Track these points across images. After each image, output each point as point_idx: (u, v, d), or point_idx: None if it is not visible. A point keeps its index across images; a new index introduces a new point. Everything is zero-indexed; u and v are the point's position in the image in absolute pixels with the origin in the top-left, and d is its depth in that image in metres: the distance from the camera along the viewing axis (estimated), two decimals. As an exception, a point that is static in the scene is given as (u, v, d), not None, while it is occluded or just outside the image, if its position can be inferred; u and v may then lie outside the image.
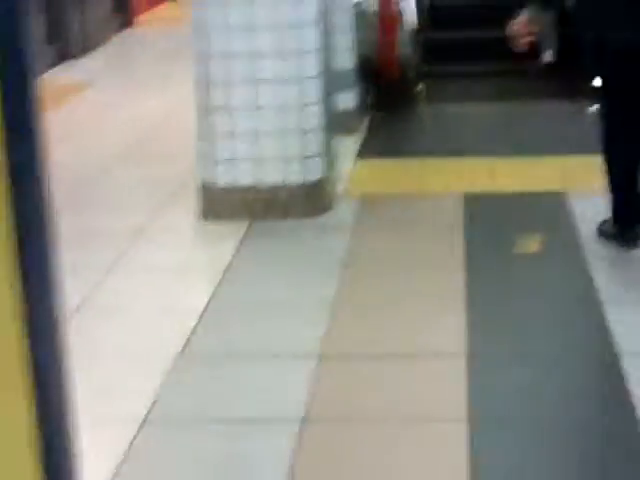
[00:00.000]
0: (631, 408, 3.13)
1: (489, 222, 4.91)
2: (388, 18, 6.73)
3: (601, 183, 4.62)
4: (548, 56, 7.98)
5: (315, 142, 5.00)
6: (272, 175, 4.95)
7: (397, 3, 6.80)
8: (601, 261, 4.33)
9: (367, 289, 4.19)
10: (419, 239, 4.71)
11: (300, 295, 4.12)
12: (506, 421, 3.16)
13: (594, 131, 5.67)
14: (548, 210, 5.02)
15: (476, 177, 5.53)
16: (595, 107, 5.07)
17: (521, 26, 4.49)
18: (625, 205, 4.47)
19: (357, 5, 6.66)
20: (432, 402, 3.27)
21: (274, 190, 4.95)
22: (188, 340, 3.72)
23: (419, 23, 7.86)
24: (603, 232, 4.55)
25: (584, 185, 5.30)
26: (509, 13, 4.59)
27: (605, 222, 4.57)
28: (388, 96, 7.02)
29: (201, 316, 3.92)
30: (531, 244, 4.55)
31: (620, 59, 4.22)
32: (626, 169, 4.46)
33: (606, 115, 4.49)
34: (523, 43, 4.55)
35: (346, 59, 6.41)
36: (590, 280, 4.13)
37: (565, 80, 7.81)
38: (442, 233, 4.77)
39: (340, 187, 5.39)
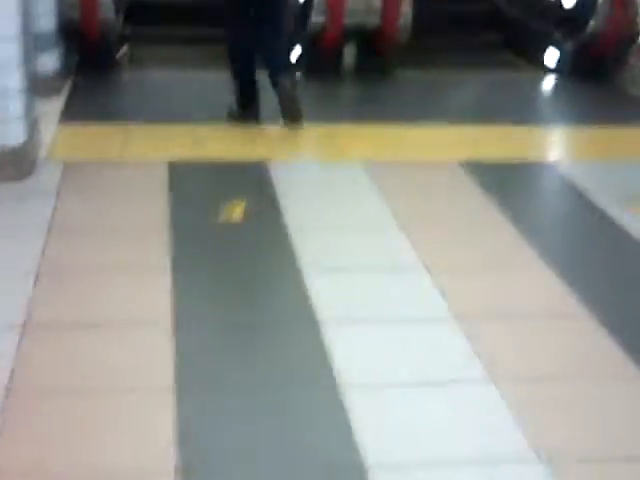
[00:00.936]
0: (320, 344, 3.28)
1: (193, 189, 4.95)
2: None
3: (302, 151, 4.79)
4: None
5: (16, 105, 4.87)
6: (-29, 138, 4.79)
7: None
8: (300, 231, 4.47)
9: (70, 255, 4.14)
10: (122, 205, 4.69)
11: (3, 264, 4.02)
12: (212, 387, 3.23)
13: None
14: (251, 178, 5.12)
15: (180, 144, 5.56)
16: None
17: None
18: (246, 89, 5.95)
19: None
20: (137, 371, 3.29)
21: (-27, 154, 4.79)
22: None
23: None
24: (231, 115, 5.96)
25: (285, 154, 5.47)
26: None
27: (231, 107, 5.97)
28: (91, 59, 6.91)
29: None
30: (235, 212, 4.63)
31: None
32: (246, 59, 5.94)
33: (226, 15, 5.91)
34: None
35: (47, 21, 6.26)
36: (291, 247, 4.27)
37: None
38: (145, 200, 4.77)
39: (42, 151, 5.29)
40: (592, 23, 7.14)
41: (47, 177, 4.98)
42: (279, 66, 5.97)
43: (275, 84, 5.91)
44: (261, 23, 5.84)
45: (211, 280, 4.04)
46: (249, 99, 6.00)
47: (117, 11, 7.22)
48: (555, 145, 5.89)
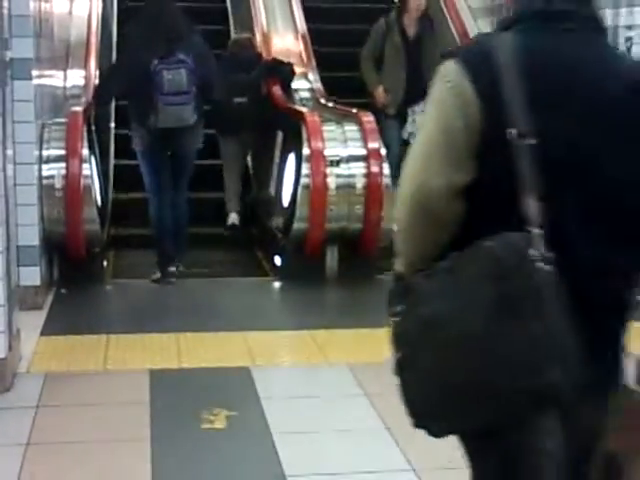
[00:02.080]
0: None
1: (175, 398, 4.90)
2: (73, 195, 6.71)
3: (285, 356, 4.77)
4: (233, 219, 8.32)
5: (-3, 319, 4.86)
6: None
7: (86, 177, 6.79)
8: (287, 436, 4.40)
9: (50, 472, 4.05)
10: (102, 417, 4.63)
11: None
12: None
13: (278, 306, 5.88)
14: (234, 385, 5.08)
15: (161, 353, 5.54)
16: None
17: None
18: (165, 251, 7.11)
19: (43, 180, 6.64)
20: None
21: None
22: None
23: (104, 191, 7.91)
24: (154, 281, 7.04)
25: (268, 360, 5.45)
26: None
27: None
28: (74, 272, 6.96)
29: None
30: (217, 419, 4.57)
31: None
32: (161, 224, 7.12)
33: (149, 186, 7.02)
34: None
35: (30, 234, 6.33)
36: (275, 454, 4.19)
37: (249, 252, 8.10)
38: (126, 410, 4.71)
39: (24, 365, 5.25)
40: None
41: (27, 390, 4.92)
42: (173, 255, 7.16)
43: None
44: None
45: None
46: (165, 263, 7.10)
47: (102, 224, 7.31)
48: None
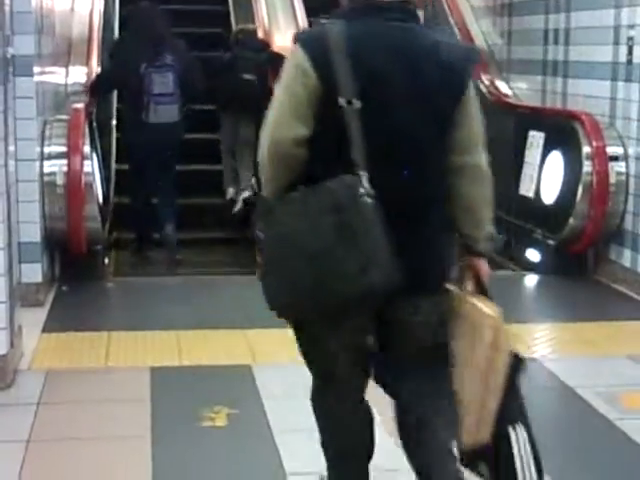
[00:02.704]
0: None
1: (176, 395, 4.90)
2: (75, 191, 6.71)
3: (286, 354, 4.75)
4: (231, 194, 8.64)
5: (-2, 316, 4.87)
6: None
7: (87, 174, 6.80)
8: (287, 434, 4.40)
9: (51, 469, 4.06)
10: (103, 414, 4.64)
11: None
12: None
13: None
14: (235, 383, 5.08)
15: (163, 350, 5.55)
16: None
17: None
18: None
19: (44, 177, 6.64)
20: None
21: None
22: None
23: (105, 194, 7.94)
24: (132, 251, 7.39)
25: (269, 358, 5.45)
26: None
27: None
28: (76, 269, 6.97)
29: None
30: (218, 417, 4.58)
31: None
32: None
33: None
34: None
35: (32, 231, 6.34)
36: (276, 451, 4.20)
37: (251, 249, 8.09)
38: (127, 407, 4.72)
39: (25, 362, 5.26)
40: (571, 221, 7.25)
41: (28, 387, 4.93)
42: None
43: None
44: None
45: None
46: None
47: (103, 221, 7.32)
48: (539, 342, 5.88)
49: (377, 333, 3.17)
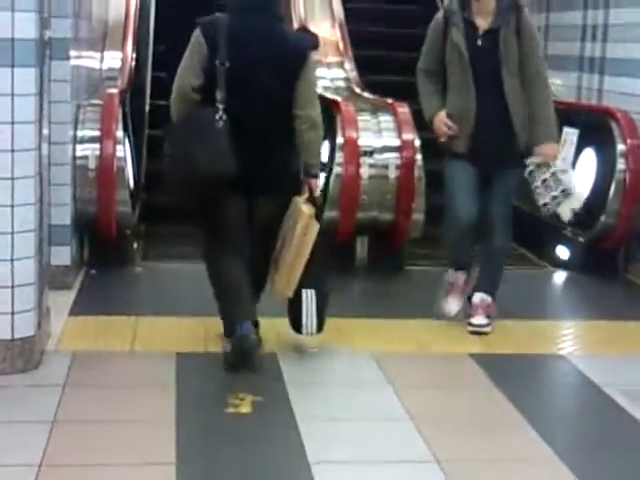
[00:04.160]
0: None
1: (201, 381, 4.92)
2: (107, 176, 6.74)
3: (313, 344, 4.79)
4: None
5: (27, 297, 4.89)
6: (-19, 329, 4.80)
7: (119, 159, 6.83)
8: (311, 422, 4.40)
9: (73, 450, 4.07)
10: (129, 398, 4.65)
11: (3, 458, 3.95)
12: None
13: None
14: (260, 370, 5.08)
15: (189, 336, 5.56)
16: None
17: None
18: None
19: (77, 160, 6.67)
20: None
21: (-19, 345, 4.79)
22: None
23: (137, 183, 7.95)
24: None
25: (294, 346, 5.45)
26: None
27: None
28: (104, 253, 6.99)
29: None
30: (243, 404, 4.58)
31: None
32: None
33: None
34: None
35: (62, 213, 6.37)
36: (299, 440, 4.20)
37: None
38: (153, 391, 4.73)
39: (52, 343, 5.28)
40: (603, 218, 7.21)
41: (55, 369, 4.95)
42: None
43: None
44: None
45: (217, 473, 3.95)
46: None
47: (133, 207, 7.34)
48: (568, 339, 5.85)
49: (249, 212, 5.16)
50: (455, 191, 5.78)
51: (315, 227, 5.13)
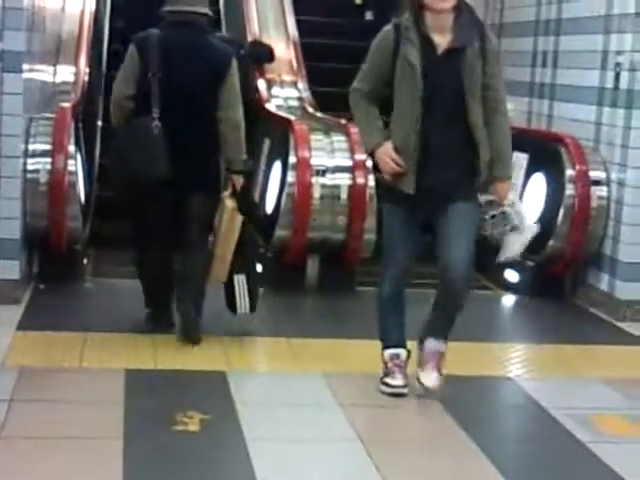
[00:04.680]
0: None
1: (149, 399, 4.88)
2: (58, 190, 6.69)
3: (261, 363, 4.77)
4: None
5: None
6: None
7: (71, 174, 6.79)
8: (260, 442, 4.39)
9: (21, 466, 4.03)
10: (76, 414, 4.61)
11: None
12: None
13: (257, 312, 5.89)
14: (209, 389, 5.07)
15: (138, 353, 5.53)
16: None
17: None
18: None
19: (27, 174, 6.62)
20: None
21: None
22: None
23: (87, 198, 7.91)
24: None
25: (244, 365, 5.45)
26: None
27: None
28: (53, 269, 6.94)
29: None
30: (191, 422, 4.56)
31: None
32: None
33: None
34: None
35: (11, 227, 6.31)
36: (247, 458, 4.19)
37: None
38: (100, 408, 4.70)
39: (-1, 358, 5.24)
40: (551, 243, 7.28)
41: (1, 384, 4.91)
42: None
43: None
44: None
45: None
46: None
47: (84, 221, 7.29)
48: (515, 362, 5.90)
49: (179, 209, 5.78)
50: (394, 243, 5.04)
51: (238, 219, 5.79)
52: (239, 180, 5.81)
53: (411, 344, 5.18)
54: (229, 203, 5.76)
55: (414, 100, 4.81)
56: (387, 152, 4.86)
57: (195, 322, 5.75)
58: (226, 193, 5.78)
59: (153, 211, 5.73)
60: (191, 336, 5.71)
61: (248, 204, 6.04)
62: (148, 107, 5.58)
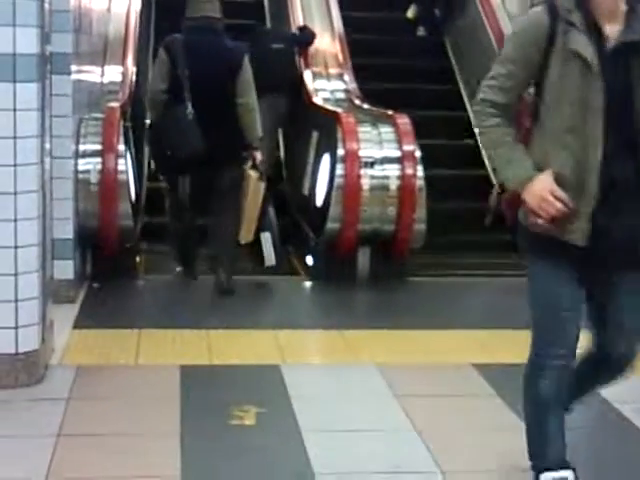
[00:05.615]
0: None
1: (205, 393, 4.91)
2: (108, 189, 6.75)
3: (314, 355, 4.77)
4: None
5: (31, 311, 4.90)
6: (-16, 344, 4.81)
7: (121, 173, 6.85)
8: (315, 434, 4.41)
9: (77, 465, 4.07)
10: (133, 411, 4.65)
11: (8, 472, 3.95)
12: None
13: (309, 305, 5.88)
14: (264, 382, 5.09)
15: (193, 348, 5.57)
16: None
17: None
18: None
19: (79, 174, 6.69)
20: None
21: (-15, 360, 4.80)
22: None
23: (138, 196, 7.97)
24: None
25: (298, 358, 5.46)
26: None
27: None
28: (107, 267, 7.00)
29: None
30: (247, 416, 4.58)
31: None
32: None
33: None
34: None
35: (65, 227, 6.38)
36: (304, 451, 4.20)
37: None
38: (157, 405, 4.73)
39: (56, 357, 5.29)
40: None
41: (58, 383, 4.96)
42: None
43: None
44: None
45: (222, 486, 3.96)
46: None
47: (135, 219, 7.35)
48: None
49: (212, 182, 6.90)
50: (549, 319, 3.67)
51: (261, 186, 6.92)
52: (257, 154, 6.88)
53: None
54: (252, 174, 6.83)
55: (592, 111, 3.37)
56: (548, 187, 3.35)
57: (229, 278, 6.78)
58: (248, 165, 6.84)
59: (189, 185, 6.95)
60: (225, 290, 6.73)
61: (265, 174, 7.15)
62: (178, 98, 6.66)
